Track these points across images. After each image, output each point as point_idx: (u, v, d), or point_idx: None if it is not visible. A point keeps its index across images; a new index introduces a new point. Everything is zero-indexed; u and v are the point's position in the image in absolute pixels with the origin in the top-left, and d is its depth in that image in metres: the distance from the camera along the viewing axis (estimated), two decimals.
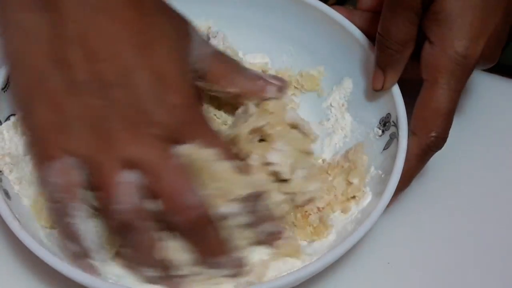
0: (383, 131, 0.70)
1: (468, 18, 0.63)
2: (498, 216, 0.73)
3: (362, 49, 0.72)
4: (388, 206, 0.63)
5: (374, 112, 0.72)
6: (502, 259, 0.70)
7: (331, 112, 0.75)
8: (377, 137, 0.71)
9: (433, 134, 0.65)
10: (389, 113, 0.70)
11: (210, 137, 0.60)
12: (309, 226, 0.66)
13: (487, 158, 0.77)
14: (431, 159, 0.68)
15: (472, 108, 0.80)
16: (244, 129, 0.66)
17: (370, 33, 0.72)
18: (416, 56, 0.67)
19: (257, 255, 0.65)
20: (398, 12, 0.64)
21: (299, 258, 0.65)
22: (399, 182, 0.64)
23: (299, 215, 0.67)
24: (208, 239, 0.59)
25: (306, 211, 0.67)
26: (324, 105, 0.76)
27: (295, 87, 0.76)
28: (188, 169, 0.57)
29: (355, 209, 0.67)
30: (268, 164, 0.65)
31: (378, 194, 0.65)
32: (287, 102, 0.71)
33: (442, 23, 0.63)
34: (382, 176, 0.67)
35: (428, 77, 0.65)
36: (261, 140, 0.67)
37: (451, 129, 0.67)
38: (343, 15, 0.73)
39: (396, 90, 0.69)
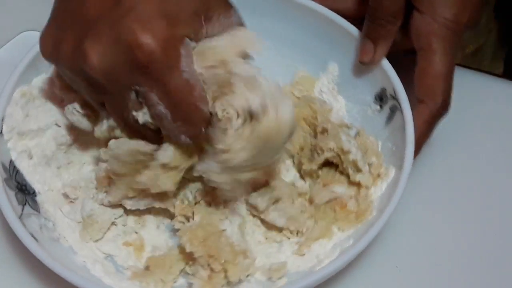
0: (381, 106, 0.72)
1: None
2: (510, 220, 0.73)
3: (343, 32, 0.73)
4: None
5: (366, 90, 0.73)
6: None
7: (322, 97, 0.76)
8: (376, 112, 0.72)
9: (440, 98, 0.67)
10: (383, 88, 0.71)
11: None
12: (350, 214, 0.67)
13: (497, 161, 0.77)
14: (443, 165, 0.71)
15: (479, 111, 0.80)
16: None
17: (346, 11, 0.74)
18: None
19: (287, 250, 0.67)
20: None
21: (331, 238, 0.67)
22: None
23: (337, 207, 0.68)
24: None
25: (342, 201, 0.68)
26: (314, 92, 0.77)
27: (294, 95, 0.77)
28: None
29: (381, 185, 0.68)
30: (344, 152, 0.67)
31: (398, 167, 0.66)
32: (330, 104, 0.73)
33: None
34: (393, 148, 0.69)
35: (422, 45, 0.67)
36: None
37: (460, 134, 0.70)
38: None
39: (387, 64, 0.71)
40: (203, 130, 0.57)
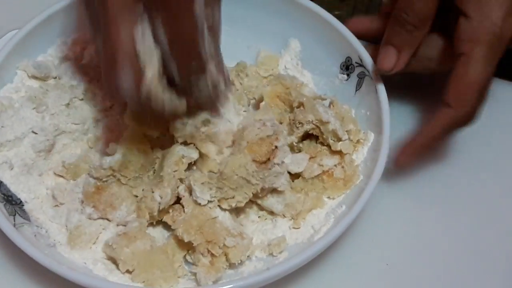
0: (348, 75, 0.74)
1: None
2: (498, 218, 0.73)
3: (302, 8, 0.75)
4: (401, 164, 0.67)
5: (331, 61, 0.75)
6: (502, 261, 0.70)
7: (288, 74, 0.77)
8: (343, 82, 0.74)
9: (467, 108, 0.65)
10: (348, 57, 0.73)
11: None
12: (338, 181, 0.68)
13: (490, 161, 0.77)
14: (435, 163, 0.72)
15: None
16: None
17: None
18: None
19: (283, 225, 0.69)
20: None
21: (322, 207, 0.68)
22: (420, 145, 0.67)
23: (324, 177, 0.69)
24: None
25: (329, 169, 0.69)
26: (279, 70, 0.78)
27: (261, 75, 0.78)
28: None
29: (362, 150, 0.70)
30: (323, 123, 0.68)
31: (376, 131, 0.69)
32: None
33: None
34: (368, 113, 0.71)
35: (464, 50, 0.64)
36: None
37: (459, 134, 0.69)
38: (362, 25, 0.73)
39: (349, 33, 0.73)
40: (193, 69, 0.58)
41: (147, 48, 0.56)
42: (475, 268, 0.70)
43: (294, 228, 0.68)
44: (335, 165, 0.69)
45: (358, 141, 0.70)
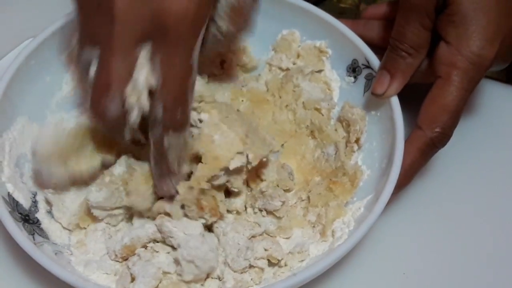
0: (355, 77, 0.74)
1: (483, 20, 0.65)
2: None
3: (305, 13, 0.76)
4: (388, 203, 0.64)
5: (338, 64, 0.76)
6: None
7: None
8: (351, 84, 0.75)
9: (438, 129, 0.66)
10: (355, 59, 0.74)
11: None
12: (346, 184, 0.69)
13: (502, 169, 0.77)
14: (450, 172, 0.72)
15: (483, 114, 0.81)
16: None
17: (374, 40, 0.75)
18: None
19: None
20: (412, 18, 0.66)
21: (345, 215, 0.68)
22: (401, 176, 0.65)
23: (331, 186, 0.69)
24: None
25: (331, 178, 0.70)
26: None
27: None
28: None
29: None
30: None
31: (388, 130, 0.69)
32: None
33: (458, 24, 0.65)
34: (378, 114, 0.71)
35: (441, 74, 0.66)
36: None
37: (467, 137, 0.70)
38: (347, 26, 0.74)
39: (354, 36, 0.73)
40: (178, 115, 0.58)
41: (137, 88, 0.57)
42: (493, 277, 0.70)
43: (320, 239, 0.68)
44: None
45: (356, 141, 0.71)
